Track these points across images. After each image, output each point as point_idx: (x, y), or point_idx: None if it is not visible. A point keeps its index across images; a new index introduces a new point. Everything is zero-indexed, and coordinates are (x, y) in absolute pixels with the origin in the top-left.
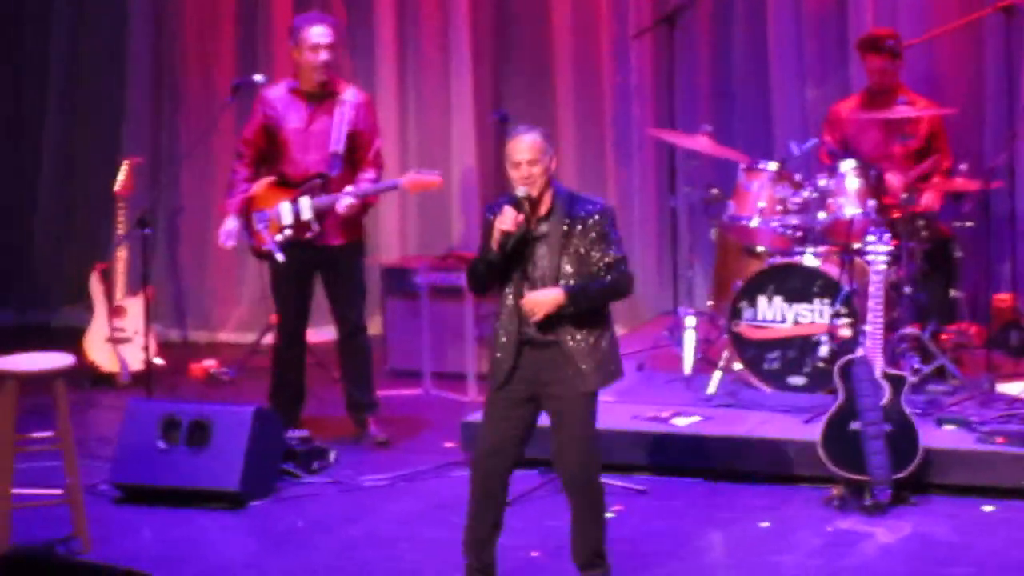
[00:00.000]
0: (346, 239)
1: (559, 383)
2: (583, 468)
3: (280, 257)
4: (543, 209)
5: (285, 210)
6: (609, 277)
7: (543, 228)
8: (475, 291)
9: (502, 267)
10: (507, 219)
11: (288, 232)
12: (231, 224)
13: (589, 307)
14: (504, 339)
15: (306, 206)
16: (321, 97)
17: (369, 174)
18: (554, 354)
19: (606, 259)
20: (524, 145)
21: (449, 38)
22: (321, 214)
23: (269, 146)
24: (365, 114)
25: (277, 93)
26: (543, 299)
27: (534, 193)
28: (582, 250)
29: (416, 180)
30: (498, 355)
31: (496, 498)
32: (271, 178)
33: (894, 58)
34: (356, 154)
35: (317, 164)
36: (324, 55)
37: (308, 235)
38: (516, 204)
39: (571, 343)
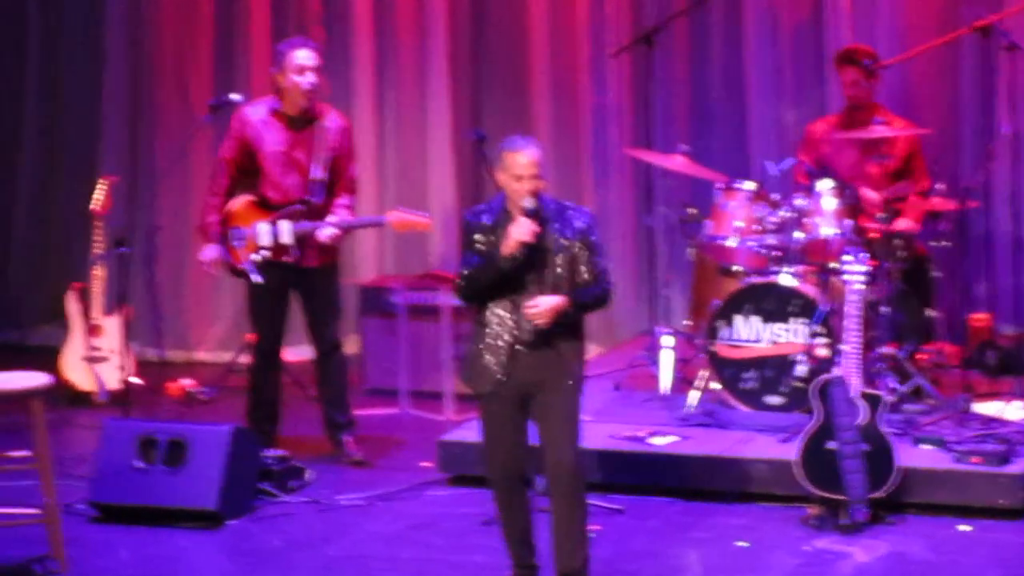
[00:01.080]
0: (322, 261)
1: (550, 381)
2: (576, 464)
3: (256, 278)
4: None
5: (264, 231)
6: (600, 288)
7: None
8: (473, 300)
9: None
10: (525, 229)
11: (266, 253)
12: (212, 252)
13: (582, 313)
14: (497, 346)
15: (287, 230)
16: (303, 122)
17: (343, 200)
18: (546, 354)
19: (596, 268)
20: (529, 160)
21: (427, 58)
22: (301, 239)
23: (248, 166)
24: (344, 139)
25: (258, 114)
26: (551, 304)
27: (537, 205)
28: (573, 256)
29: (403, 219)
30: (486, 362)
31: (522, 505)
32: (251, 197)
33: (869, 74)
34: (332, 178)
35: (297, 188)
36: (311, 77)
37: (287, 259)
38: (526, 214)
39: (562, 342)
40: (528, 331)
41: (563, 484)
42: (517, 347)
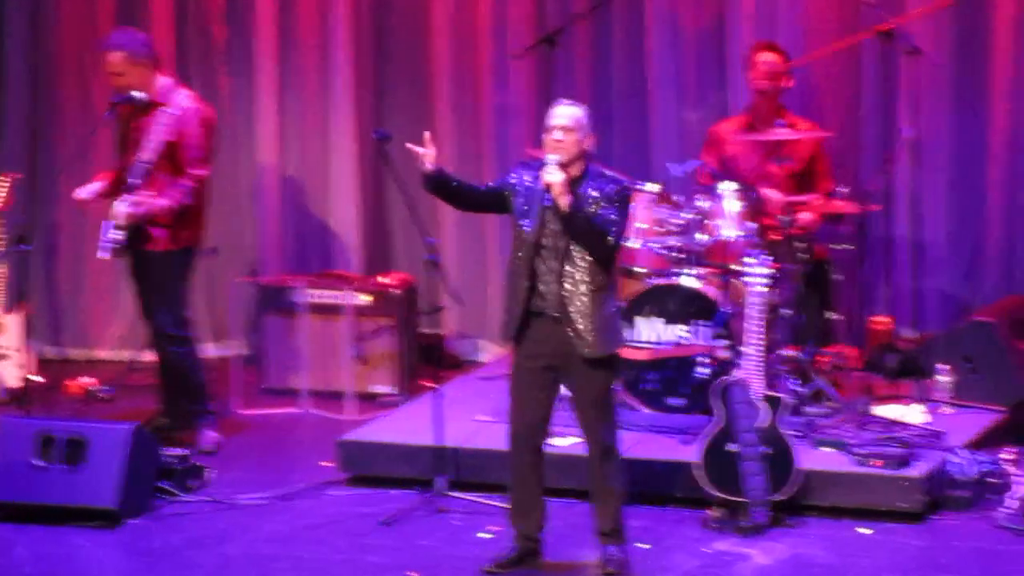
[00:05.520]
0: (161, 246)
1: (573, 358)
2: (606, 443)
3: (100, 253)
4: (571, 178)
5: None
6: (604, 225)
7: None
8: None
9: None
10: (555, 176)
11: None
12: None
13: (581, 229)
14: (513, 308)
15: (115, 210)
16: (147, 105)
17: (180, 183)
18: (557, 321)
19: (606, 215)
20: (561, 111)
21: (329, 57)
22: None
23: None
24: (185, 125)
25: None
26: (562, 182)
27: (564, 159)
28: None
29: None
30: (506, 318)
31: (535, 470)
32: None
33: (785, 61)
34: (177, 162)
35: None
36: (116, 80)
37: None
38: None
39: (572, 308)
40: (545, 296)
41: (595, 460)
42: (532, 313)
